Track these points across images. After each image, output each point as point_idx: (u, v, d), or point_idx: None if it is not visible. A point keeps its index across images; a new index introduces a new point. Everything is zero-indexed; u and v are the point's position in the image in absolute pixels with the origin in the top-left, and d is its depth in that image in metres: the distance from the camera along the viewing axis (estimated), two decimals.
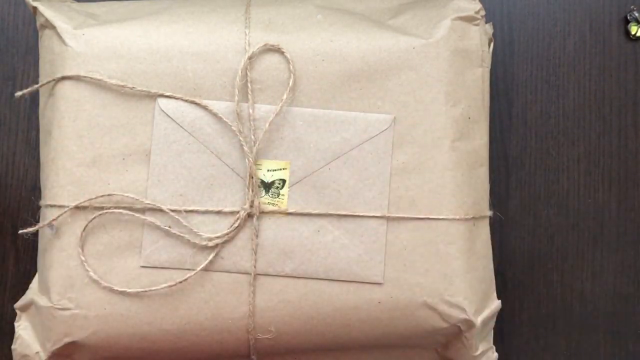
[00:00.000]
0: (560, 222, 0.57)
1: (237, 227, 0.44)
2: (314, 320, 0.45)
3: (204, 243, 0.44)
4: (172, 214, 0.44)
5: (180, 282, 0.44)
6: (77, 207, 0.44)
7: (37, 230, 0.46)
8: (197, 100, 0.45)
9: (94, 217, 0.44)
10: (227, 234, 0.44)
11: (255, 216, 0.45)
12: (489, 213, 0.48)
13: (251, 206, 0.44)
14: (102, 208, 0.44)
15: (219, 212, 0.45)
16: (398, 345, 0.47)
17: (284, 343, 0.46)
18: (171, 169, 0.45)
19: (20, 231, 0.46)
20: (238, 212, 0.44)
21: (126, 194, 0.44)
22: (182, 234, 0.44)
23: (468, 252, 0.46)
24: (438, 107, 0.45)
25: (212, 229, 0.45)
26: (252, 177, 0.45)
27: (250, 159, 0.44)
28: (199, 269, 0.44)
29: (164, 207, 0.44)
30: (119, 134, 0.45)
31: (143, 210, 0.45)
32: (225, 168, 0.45)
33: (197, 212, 0.45)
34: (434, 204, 0.45)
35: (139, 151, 0.45)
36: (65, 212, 0.44)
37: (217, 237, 0.44)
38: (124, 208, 0.44)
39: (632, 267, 0.57)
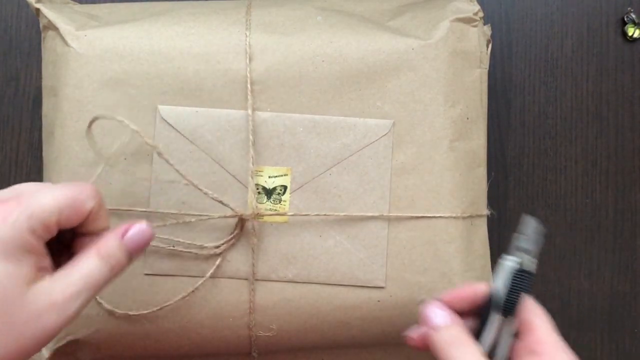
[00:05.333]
0: (558, 221, 0.57)
1: (239, 233, 0.45)
2: (313, 318, 0.45)
3: (205, 252, 0.45)
4: (174, 221, 0.44)
5: (186, 296, 0.44)
6: None
7: None
8: (198, 108, 0.45)
9: None
10: (228, 241, 0.45)
11: (257, 222, 0.45)
12: (487, 212, 0.49)
13: (253, 212, 0.44)
14: None
15: (220, 219, 0.45)
16: (397, 343, 0.48)
17: (284, 341, 0.46)
18: (173, 177, 0.45)
19: None
20: (239, 217, 0.45)
21: (128, 194, 0.45)
22: (185, 249, 0.44)
23: (466, 251, 0.46)
24: (437, 108, 0.46)
25: (215, 237, 0.45)
26: (254, 184, 0.45)
27: (251, 165, 0.45)
28: (207, 276, 0.44)
29: (166, 219, 0.44)
30: (120, 134, 0.45)
31: (146, 215, 0.45)
32: (227, 175, 0.45)
33: (199, 219, 0.45)
34: (433, 204, 0.45)
35: (140, 151, 0.45)
36: None
37: (220, 246, 0.45)
38: (125, 209, 0.45)
39: (628, 266, 0.57)
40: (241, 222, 0.44)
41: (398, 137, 0.46)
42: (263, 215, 0.45)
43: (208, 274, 0.44)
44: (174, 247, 0.44)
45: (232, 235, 0.45)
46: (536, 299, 0.56)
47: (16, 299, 0.32)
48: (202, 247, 0.45)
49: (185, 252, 0.45)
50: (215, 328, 0.45)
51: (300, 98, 0.45)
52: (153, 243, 0.44)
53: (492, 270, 0.50)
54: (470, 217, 0.46)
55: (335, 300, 0.45)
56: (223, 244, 0.45)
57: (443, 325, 0.36)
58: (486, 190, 0.49)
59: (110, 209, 0.44)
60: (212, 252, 0.45)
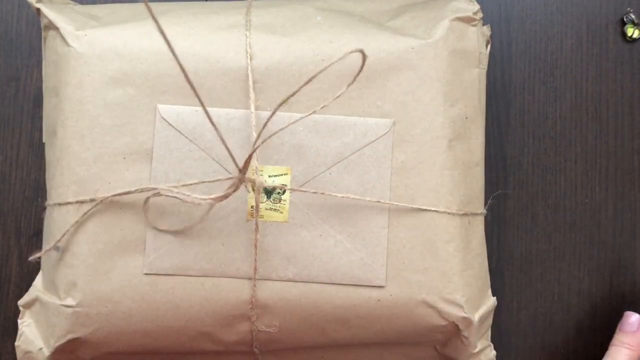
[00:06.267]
0: (558, 221, 0.57)
1: (232, 190, 0.43)
2: (314, 317, 0.45)
3: (197, 202, 0.42)
4: (170, 189, 0.43)
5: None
6: (79, 207, 0.45)
7: (41, 229, 0.46)
8: (198, 108, 0.45)
9: (95, 216, 0.44)
10: (219, 197, 0.42)
11: (260, 221, 0.44)
12: (484, 211, 0.49)
13: (252, 208, 0.44)
14: (103, 207, 0.45)
15: (215, 182, 0.43)
16: (397, 342, 0.48)
17: (284, 338, 0.46)
18: (173, 176, 0.45)
19: (30, 258, 0.46)
20: (238, 178, 0.42)
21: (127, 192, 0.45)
22: (172, 194, 0.43)
23: (465, 250, 0.46)
24: (436, 107, 0.46)
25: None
26: (254, 182, 0.44)
27: (256, 161, 0.44)
28: (198, 218, 0.43)
29: (162, 188, 0.43)
30: (120, 134, 0.45)
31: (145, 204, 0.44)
32: (227, 175, 0.45)
33: (200, 182, 0.44)
34: (432, 202, 0.45)
35: (139, 150, 0.45)
36: (69, 211, 0.45)
37: (212, 199, 0.42)
38: (125, 208, 0.45)
39: (628, 266, 0.57)
40: (237, 182, 0.42)
41: (398, 136, 0.46)
42: (263, 207, 0.44)
43: (202, 214, 0.44)
44: (159, 193, 0.43)
45: (224, 193, 0.42)
46: (536, 299, 0.57)
47: None
48: (190, 197, 0.42)
49: (176, 198, 0.43)
50: (215, 327, 0.45)
51: (301, 97, 0.45)
52: (153, 242, 0.44)
53: (489, 269, 0.50)
54: (466, 215, 0.46)
55: (335, 300, 0.45)
56: (216, 198, 0.42)
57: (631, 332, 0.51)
58: (483, 189, 0.49)
59: (111, 209, 0.44)
60: (204, 203, 0.42)
